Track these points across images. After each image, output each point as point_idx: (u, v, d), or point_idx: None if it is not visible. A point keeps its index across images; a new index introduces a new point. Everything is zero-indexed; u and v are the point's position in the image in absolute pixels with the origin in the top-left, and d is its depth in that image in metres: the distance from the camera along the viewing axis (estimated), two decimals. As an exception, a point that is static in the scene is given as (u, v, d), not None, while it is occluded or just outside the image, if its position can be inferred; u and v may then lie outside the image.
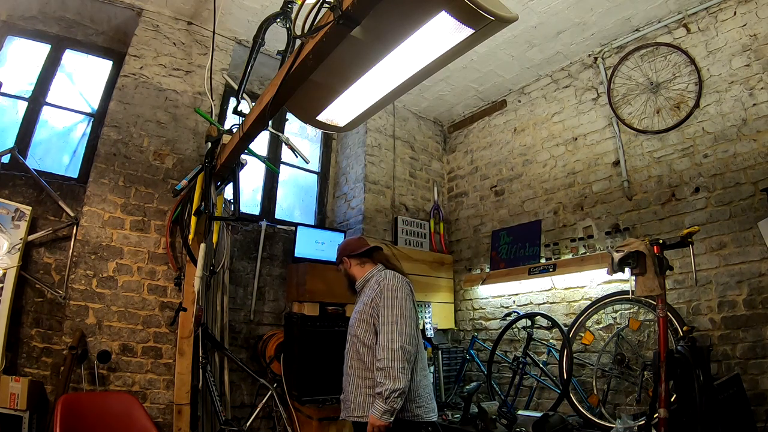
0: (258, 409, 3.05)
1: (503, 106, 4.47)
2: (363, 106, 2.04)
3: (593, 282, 3.37)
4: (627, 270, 2.28)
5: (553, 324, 3.36)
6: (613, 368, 2.98)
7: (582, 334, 3.22)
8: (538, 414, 2.82)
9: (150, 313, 2.93)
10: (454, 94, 4.50)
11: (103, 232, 2.88)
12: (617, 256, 2.26)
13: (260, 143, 4.01)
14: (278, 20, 2.31)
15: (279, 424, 3.18)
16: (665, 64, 3.28)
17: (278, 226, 3.89)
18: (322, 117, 2.13)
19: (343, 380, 2.04)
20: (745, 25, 2.93)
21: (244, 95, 2.70)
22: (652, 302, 2.69)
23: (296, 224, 3.77)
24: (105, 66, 3.50)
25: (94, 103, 3.40)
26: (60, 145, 3.31)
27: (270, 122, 2.49)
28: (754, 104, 2.83)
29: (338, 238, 3.90)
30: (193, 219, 2.82)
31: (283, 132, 3.51)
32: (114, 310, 2.81)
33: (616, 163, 3.46)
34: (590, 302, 3.24)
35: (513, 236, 3.96)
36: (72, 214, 2.84)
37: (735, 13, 2.98)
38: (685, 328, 2.33)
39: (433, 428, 2.38)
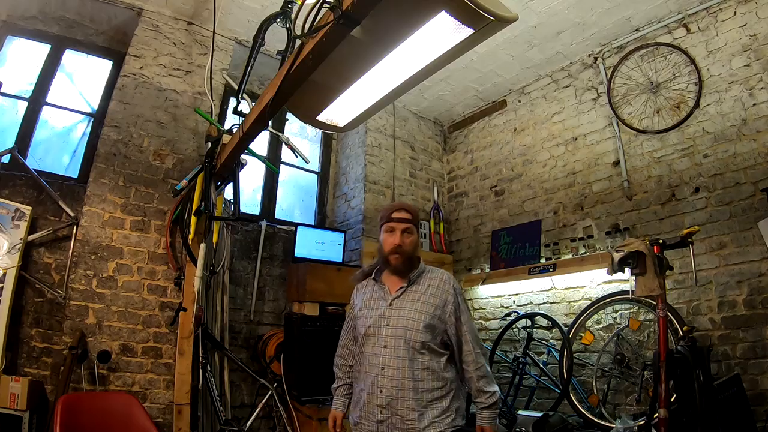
0: (258, 409, 3.05)
1: (503, 106, 4.47)
2: (363, 106, 2.05)
3: (593, 282, 3.36)
4: (627, 270, 2.28)
5: (553, 324, 3.36)
6: (613, 368, 2.98)
7: (582, 334, 3.22)
8: (538, 414, 2.82)
9: (150, 313, 2.93)
10: (454, 94, 4.50)
11: (103, 232, 2.88)
12: (617, 256, 2.27)
13: (260, 143, 4.00)
14: (278, 20, 2.31)
15: (279, 424, 3.18)
16: (665, 64, 3.28)
17: (278, 226, 3.89)
18: (322, 117, 2.13)
19: (385, 389, 1.61)
20: (745, 25, 2.93)
21: (244, 95, 2.70)
22: (652, 302, 2.69)
23: (296, 224, 3.77)
24: (105, 66, 3.50)
25: (94, 103, 3.40)
26: (60, 145, 3.31)
27: (270, 122, 2.49)
28: (754, 104, 2.83)
29: (338, 238, 3.90)
30: (193, 219, 2.82)
31: (283, 132, 3.51)
32: (114, 310, 2.81)
33: (616, 163, 3.46)
34: (590, 302, 3.24)
35: (513, 236, 3.96)
36: (72, 214, 2.84)
37: (735, 13, 2.98)
38: (685, 328, 2.34)
39: None
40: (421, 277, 1.78)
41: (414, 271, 1.76)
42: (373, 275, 1.83)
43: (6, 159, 2.87)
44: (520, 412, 3.07)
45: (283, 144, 3.09)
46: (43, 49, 3.30)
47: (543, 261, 3.63)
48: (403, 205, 1.82)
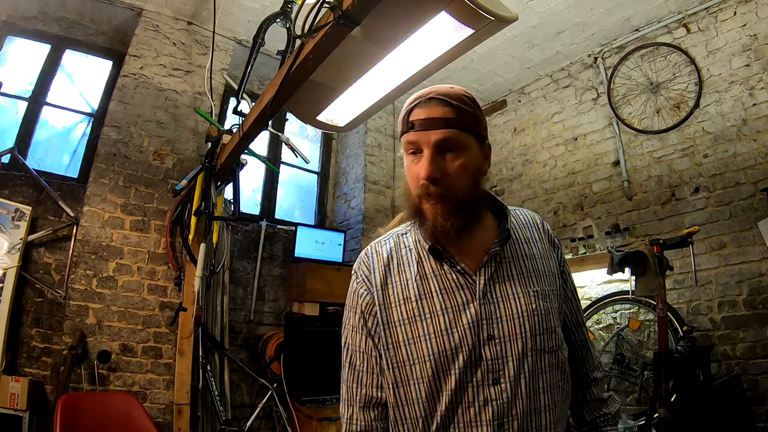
0: (258, 409, 3.05)
1: (503, 106, 4.47)
2: (363, 106, 2.04)
3: (593, 282, 3.36)
4: (627, 270, 2.28)
5: (553, 324, 3.36)
6: (613, 368, 2.98)
7: (582, 334, 3.21)
8: (538, 414, 2.82)
9: (150, 313, 2.93)
10: (454, 94, 4.49)
11: (103, 232, 2.88)
12: (617, 256, 2.27)
13: (260, 143, 4.00)
14: (278, 20, 2.31)
15: (279, 424, 3.18)
16: (665, 64, 3.28)
17: (278, 226, 3.89)
18: (322, 117, 2.13)
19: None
20: (745, 25, 2.92)
21: (244, 95, 2.70)
22: (652, 302, 2.69)
23: (296, 224, 3.77)
24: (105, 66, 3.50)
25: (94, 103, 3.40)
26: (60, 145, 3.31)
27: (270, 122, 2.49)
28: (754, 104, 2.83)
29: (338, 238, 3.90)
30: (193, 219, 2.82)
31: (283, 132, 3.51)
32: (114, 310, 2.81)
33: (616, 163, 3.46)
34: (590, 302, 3.24)
35: (513, 236, 3.95)
36: (72, 214, 2.84)
37: (735, 13, 2.98)
38: (685, 328, 2.34)
39: None
40: (516, 229, 0.95)
41: (506, 220, 0.92)
42: (421, 242, 0.91)
43: (6, 159, 2.87)
44: (520, 412, 3.07)
45: (283, 144, 3.09)
46: (43, 49, 3.30)
47: (543, 261, 3.63)
48: (434, 91, 0.86)
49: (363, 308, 0.91)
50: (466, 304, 0.84)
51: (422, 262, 0.89)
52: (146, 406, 2.66)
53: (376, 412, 0.88)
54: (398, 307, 0.87)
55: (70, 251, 2.79)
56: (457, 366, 0.80)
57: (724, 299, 2.73)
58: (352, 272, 0.97)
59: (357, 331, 0.91)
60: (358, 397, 0.89)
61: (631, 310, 3.04)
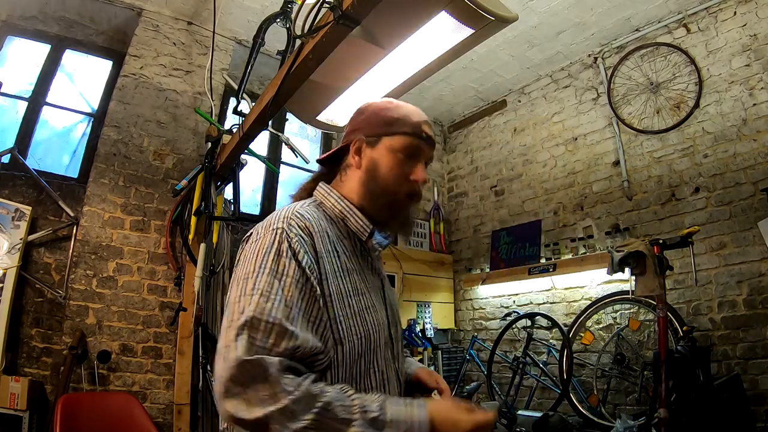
0: (258, 409, 3.05)
1: (503, 106, 4.47)
2: (363, 106, 2.04)
3: (593, 282, 3.36)
4: (627, 270, 2.28)
5: (553, 324, 3.36)
6: (613, 368, 2.98)
7: (582, 334, 3.21)
8: (538, 414, 2.82)
9: (150, 313, 2.92)
10: (454, 94, 4.50)
11: (103, 232, 2.88)
12: (617, 256, 2.27)
13: (260, 143, 4.00)
14: (278, 20, 2.31)
15: (279, 424, 3.17)
16: (665, 64, 3.28)
17: (278, 226, 3.88)
18: (322, 117, 2.13)
19: None
20: (745, 25, 2.92)
21: (244, 95, 2.70)
22: (652, 302, 2.69)
23: (296, 224, 3.76)
24: (105, 66, 3.49)
25: (94, 103, 3.40)
26: (60, 145, 3.31)
27: (270, 122, 2.49)
28: (754, 104, 2.83)
29: (338, 238, 3.89)
30: (193, 219, 2.82)
31: (283, 132, 3.50)
32: (114, 310, 2.81)
33: (616, 163, 3.46)
34: (590, 302, 3.24)
35: (513, 236, 3.96)
36: (72, 214, 2.84)
37: (735, 13, 2.98)
38: (685, 328, 2.34)
39: None
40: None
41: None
42: (357, 220, 0.90)
43: (6, 159, 2.87)
44: (520, 412, 3.07)
45: (283, 144, 3.09)
46: (43, 49, 3.30)
47: (543, 261, 3.63)
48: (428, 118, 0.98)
49: (301, 273, 0.75)
50: (378, 287, 0.92)
51: (342, 240, 0.88)
52: (146, 406, 2.66)
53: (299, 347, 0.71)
54: (342, 278, 0.81)
55: (70, 251, 2.79)
56: (382, 343, 0.85)
57: (724, 299, 2.73)
58: (275, 230, 0.78)
59: (297, 286, 0.74)
60: (284, 329, 0.70)
61: (631, 310, 3.04)
